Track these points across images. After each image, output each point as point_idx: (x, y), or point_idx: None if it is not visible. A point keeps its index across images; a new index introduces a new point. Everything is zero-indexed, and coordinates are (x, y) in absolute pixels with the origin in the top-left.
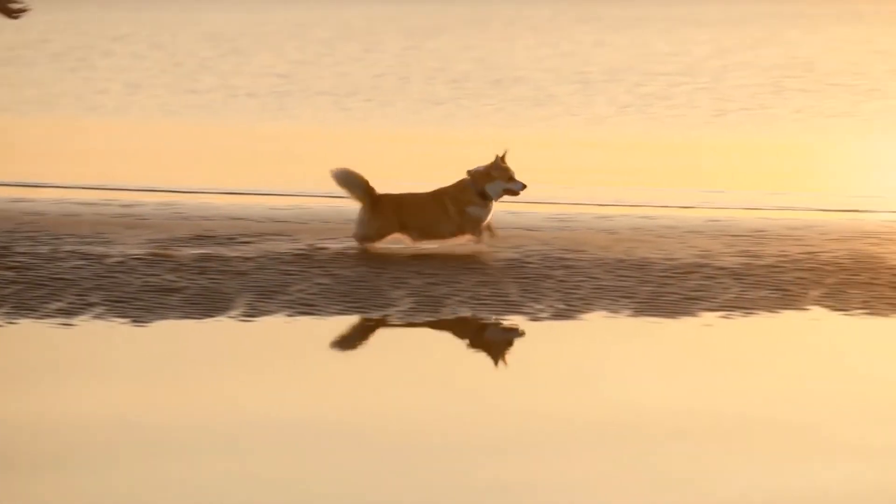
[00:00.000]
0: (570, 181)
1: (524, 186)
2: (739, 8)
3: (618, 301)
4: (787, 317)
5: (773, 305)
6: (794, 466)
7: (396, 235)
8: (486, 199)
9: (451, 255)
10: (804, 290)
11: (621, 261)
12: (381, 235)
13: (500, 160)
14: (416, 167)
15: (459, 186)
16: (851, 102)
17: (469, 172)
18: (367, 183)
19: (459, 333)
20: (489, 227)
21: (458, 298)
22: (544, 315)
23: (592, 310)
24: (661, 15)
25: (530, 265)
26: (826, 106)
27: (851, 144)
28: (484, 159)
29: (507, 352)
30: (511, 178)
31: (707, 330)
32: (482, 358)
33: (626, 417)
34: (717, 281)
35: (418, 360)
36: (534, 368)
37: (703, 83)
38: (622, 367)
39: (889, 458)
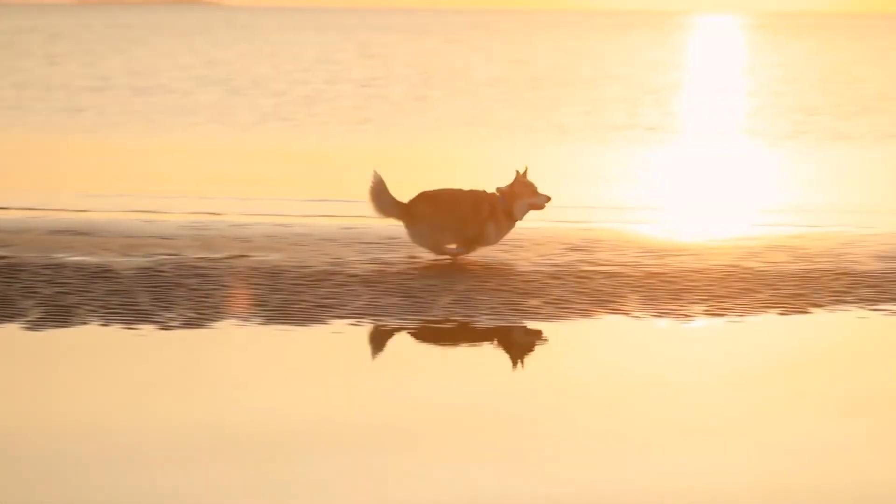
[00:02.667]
0: (208, 189)
1: (549, 199)
2: (387, 18)
3: (249, 309)
4: (416, 323)
5: (402, 312)
6: (422, 470)
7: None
8: (511, 220)
9: (84, 264)
10: (434, 297)
11: (254, 269)
12: (443, 243)
13: (522, 176)
14: (59, 176)
15: (491, 204)
16: (485, 111)
17: (499, 190)
18: (394, 202)
19: (90, 342)
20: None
21: (87, 308)
22: (175, 324)
23: (223, 318)
24: (311, 23)
25: (163, 274)
26: (463, 114)
27: (485, 152)
28: (128, 168)
29: (135, 360)
30: (535, 193)
31: (336, 337)
32: (109, 366)
33: (257, 425)
34: (349, 288)
35: (44, 369)
36: (163, 377)
37: (346, 91)
38: (251, 376)
39: (500, 464)
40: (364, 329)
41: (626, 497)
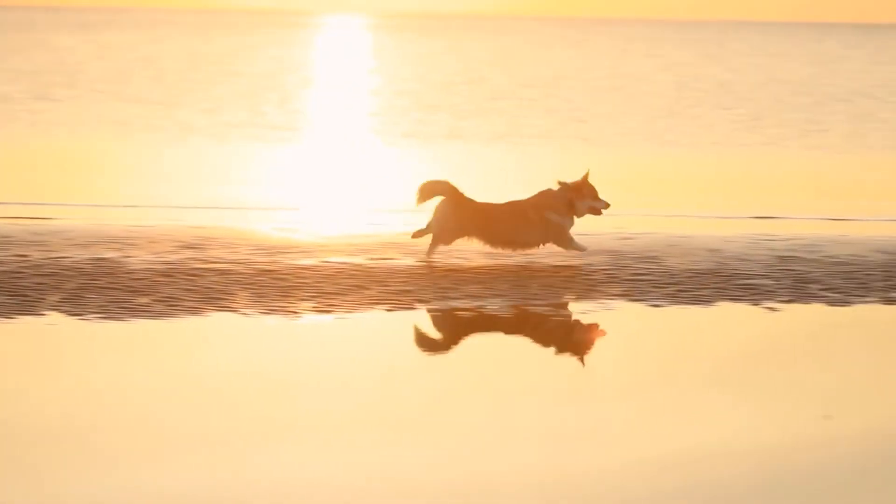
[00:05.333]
0: None
1: (608, 205)
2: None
3: None
4: (24, 322)
5: (9, 311)
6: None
7: (468, 238)
8: (569, 211)
9: None
10: (42, 296)
11: None
12: (452, 237)
13: (586, 178)
14: None
15: (543, 195)
16: (107, 110)
17: (560, 183)
18: (449, 185)
19: None
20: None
21: None
22: None
23: None
24: None
25: None
26: (83, 114)
27: (105, 151)
28: None
29: None
30: (596, 198)
31: None
32: None
33: None
34: None
35: None
36: None
37: None
38: None
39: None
40: None
41: (240, 494)
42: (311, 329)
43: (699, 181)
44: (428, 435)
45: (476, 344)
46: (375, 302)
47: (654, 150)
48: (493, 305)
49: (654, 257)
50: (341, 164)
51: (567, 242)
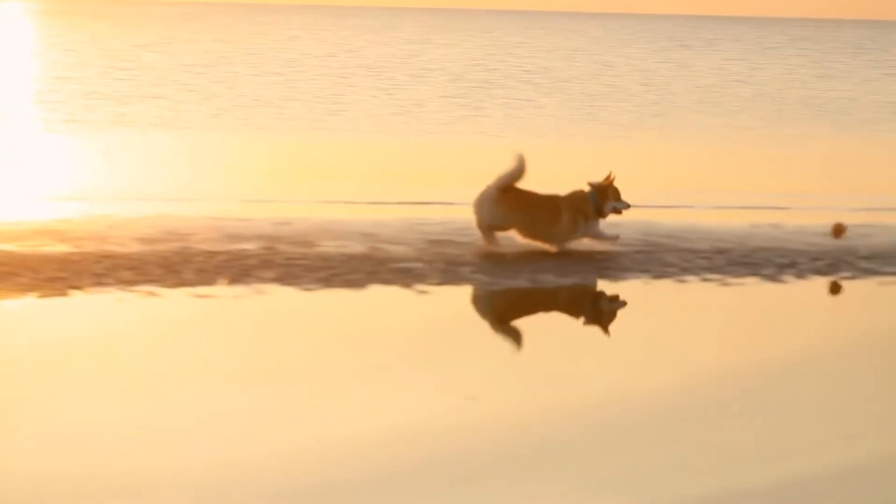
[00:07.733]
0: None
1: (628, 206)
2: None
3: None
4: None
5: None
6: None
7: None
8: (598, 215)
9: None
10: None
11: None
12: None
13: (611, 180)
14: None
15: (580, 197)
16: None
17: (591, 185)
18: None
19: None
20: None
21: None
22: None
23: None
24: None
25: None
26: None
27: None
28: None
29: None
30: (619, 198)
31: None
32: None
33: None
34: None
35: None
36: None
37: None
38: None
39: None
40: None
41: None
42: None
43: (356, 167)
44: (82, 426)
45: (130, 330)
46: (27, 289)
47: (313, 136)
48: (143, 290)
49: (308, 242)
50: None
51: (600, 236)
